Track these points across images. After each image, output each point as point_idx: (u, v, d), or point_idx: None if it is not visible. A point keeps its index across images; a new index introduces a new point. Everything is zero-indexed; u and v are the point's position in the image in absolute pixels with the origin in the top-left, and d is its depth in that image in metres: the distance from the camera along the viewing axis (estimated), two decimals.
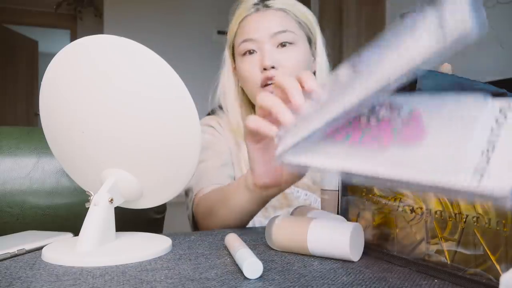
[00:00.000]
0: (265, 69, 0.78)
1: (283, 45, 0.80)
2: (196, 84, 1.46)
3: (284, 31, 0.79)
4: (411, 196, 0.43)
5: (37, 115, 4.77)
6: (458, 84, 0.53)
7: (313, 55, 0.86)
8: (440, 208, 0.40)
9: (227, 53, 0.89)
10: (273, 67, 0.78)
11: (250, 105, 0.89)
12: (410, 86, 0.53)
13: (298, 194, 0.84)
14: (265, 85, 0.79)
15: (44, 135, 0.57)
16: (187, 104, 0.47)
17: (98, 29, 4.08)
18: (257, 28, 0.80)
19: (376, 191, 0.48)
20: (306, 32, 0.84)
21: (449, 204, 0.39)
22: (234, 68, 0.88)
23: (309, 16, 0.85)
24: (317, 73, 0.87)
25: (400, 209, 0.44)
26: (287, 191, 0.83)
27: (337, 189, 0.55)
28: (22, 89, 4.84)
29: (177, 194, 0.56)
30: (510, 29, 1.82)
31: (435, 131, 0.32)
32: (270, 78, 0.78)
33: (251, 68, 0.80)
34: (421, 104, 0.36)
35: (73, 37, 4.53)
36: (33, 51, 5.10)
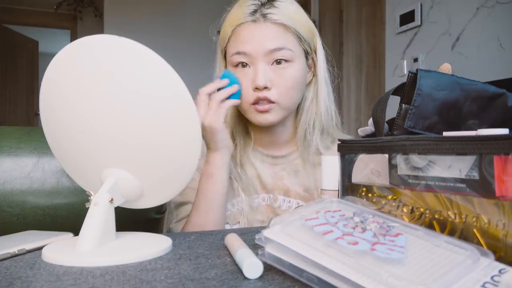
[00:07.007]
0: (257, 88, 0.74)
1: (278, 62, 0.75)
2: (197, 84, 1.45)
3: (281, 49, 0.74)
4: (411, 196, 0.43)
5: (37, 115, 4.77)
6: (458, 84, 0.53)
7: (309, 66, 0.82)
8: (440, 208, 0.40)
9: (218, 54, 0.85)
10: (266, 87, 0.74)
11: (239, 114, 0.84)
12: (410, 86, 0.53)
13: (290, 204, 0.81)
14: (256, 103, 0.76)
15: (44, 135, 0.57)
16: (187, 104, 0.47)
17: (98, 29, 4.08)
18: (252, 42, 0.74)
19: (375, 190, 0.48)
20: (305, 46, 0.79)
21: (449, 204, 0.39)
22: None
23: (311, 28, 0.80)
24: (314, 82, 0.83)
25: (400, 209, 0.44)
26: (275, 204, 0.81)
27: (337, 189, 0.55)
28: (22, 89, 4.84)
29: (177, 194, 0.57)
30: (510, 29, 1.82)
31: (414, 261, 0.33)
32: (262, 99, 0.75)
33: (243, 83, 0.76)
34: (410, 234, 0.38)
35: (73, 37, 4.53)
36: (33, 51, 5.10)
